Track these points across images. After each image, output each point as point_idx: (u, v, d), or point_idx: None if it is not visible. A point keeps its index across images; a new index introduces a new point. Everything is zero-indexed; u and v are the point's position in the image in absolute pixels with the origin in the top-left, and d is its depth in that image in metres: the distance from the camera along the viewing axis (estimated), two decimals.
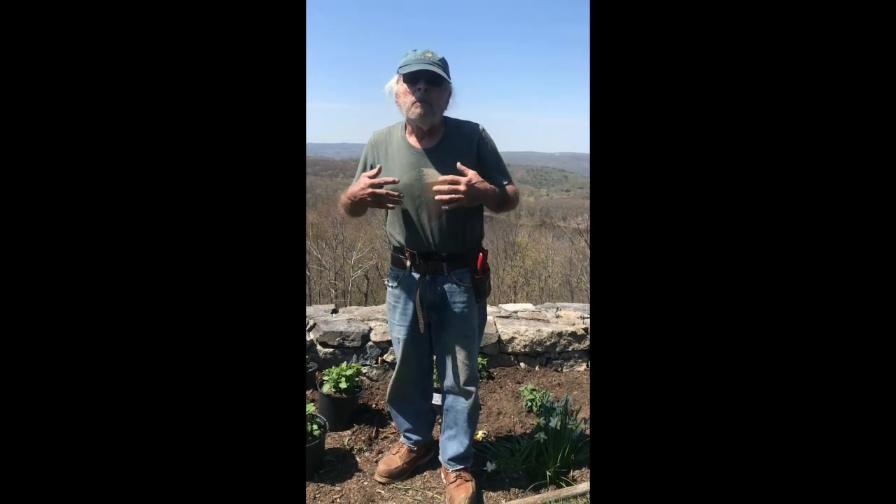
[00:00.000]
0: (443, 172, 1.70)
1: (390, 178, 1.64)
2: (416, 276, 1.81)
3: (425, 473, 2.10)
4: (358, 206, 1.73)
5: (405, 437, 2.11)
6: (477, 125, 1.80)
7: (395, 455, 2.09)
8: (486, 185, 1.67)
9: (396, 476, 2.04)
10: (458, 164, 1.61)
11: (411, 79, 1.65)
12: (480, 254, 1.81)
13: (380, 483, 2.03)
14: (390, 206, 1.68)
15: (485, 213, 1.88)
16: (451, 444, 1.97)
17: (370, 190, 1.62)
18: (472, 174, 1.61)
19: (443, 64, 1.67)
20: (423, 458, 2.14)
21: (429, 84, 1.64)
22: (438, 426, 2.23)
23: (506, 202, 1.78)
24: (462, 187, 1.58)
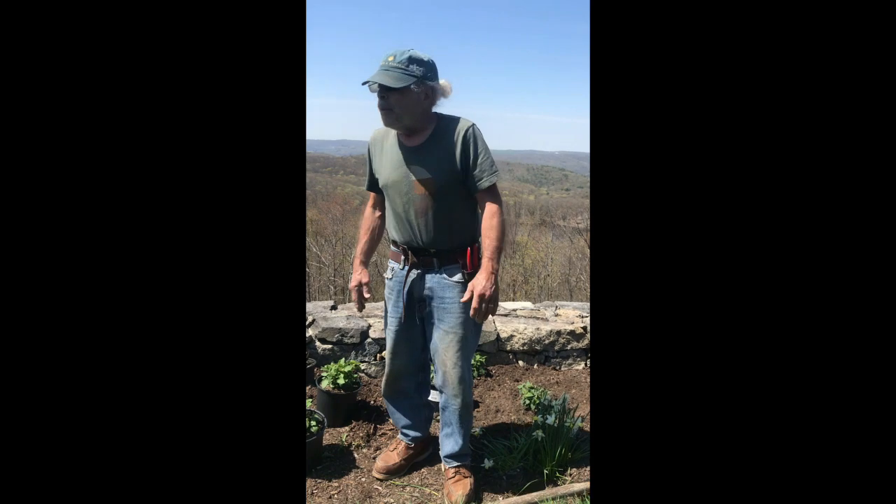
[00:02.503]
0: (427, 170, 1.72)
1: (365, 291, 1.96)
2: (408, 269, 1.83)
3: (423, 470, 2.10)
4: None
5: (402, 433, 2.11)
6: (467, 123, 1.75)
7: (392, 452, 2.09)
8: (488, 269, 1.70)
9: (394, 472, 2.05)
10: (464, 299, 1.72)
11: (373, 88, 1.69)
12: (469, 249, 1.80)
13: (377, 479, 2.03)
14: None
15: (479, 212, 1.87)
16: (448, 442, 1.98)
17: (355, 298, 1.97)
18: (477, 290, 1.68)
19: (403, 65, 1.63)
20: (421, 455, 2.15)
21: (386, 91, 1.65)
22: (437, 422, 2.24)
23: (502, 242, 1.76)
24: (484, 307, 1.70)
